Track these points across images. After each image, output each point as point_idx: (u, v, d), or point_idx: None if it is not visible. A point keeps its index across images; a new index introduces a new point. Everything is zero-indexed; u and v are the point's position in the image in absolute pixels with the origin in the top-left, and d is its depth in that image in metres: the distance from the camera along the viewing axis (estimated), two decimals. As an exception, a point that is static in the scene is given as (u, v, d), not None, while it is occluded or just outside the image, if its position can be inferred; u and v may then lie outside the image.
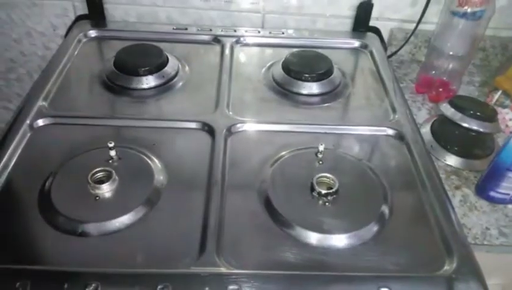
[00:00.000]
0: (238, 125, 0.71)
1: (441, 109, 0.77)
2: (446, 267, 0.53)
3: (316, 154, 0.66)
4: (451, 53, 0.87)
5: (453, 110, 0.75)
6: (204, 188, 0.61)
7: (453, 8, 0.82)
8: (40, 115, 0.71)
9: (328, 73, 0.82)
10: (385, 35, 1.01)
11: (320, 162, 0.65)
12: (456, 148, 0.76)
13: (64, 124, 0.71)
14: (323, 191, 0.59)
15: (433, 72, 0.91)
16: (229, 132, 0.70)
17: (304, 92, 0.80)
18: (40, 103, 0.73)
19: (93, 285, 0.47)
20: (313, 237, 0.55)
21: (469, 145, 0.76)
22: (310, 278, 0.51)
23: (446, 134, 0.77)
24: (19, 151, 0.66)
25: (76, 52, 0.88)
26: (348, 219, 0.57)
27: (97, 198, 0.57)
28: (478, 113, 0.74)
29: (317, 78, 0.81)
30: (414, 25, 0.95)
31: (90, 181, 0.58)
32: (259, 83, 0.83)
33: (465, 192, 0.71)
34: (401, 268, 0.53)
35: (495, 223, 0.67)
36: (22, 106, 0.72)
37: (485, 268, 0.68)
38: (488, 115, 0.75)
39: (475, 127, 0.73)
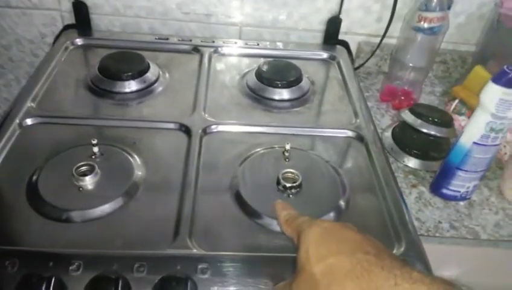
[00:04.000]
0: (213, 126, 0.76)
1: (402, 116, 0.83)
2: (395, 251, 0.57)
3: (283, 153, 0.71)
4: (411, 64, 0.94)
5: (413, 117, 0.80)
6: (179, 182, 0.65)
7: (414, 24, 0.89)
8: (29, 114, 0.75)
9: (297, 81, 0.87)
10: (354, 48, 1.07)
11: (287, 160, 0.70)
12: (414, 151, 0.81)
13: (51, 123, 0.75)
14: (288, 185, 0.64)
15: (396, 82, 0.98)
16: (204, 132, 0.75)
17: (275, 97, 0.85)
18: (29, 104, 0.77)
19: (75, 264, 0.51)
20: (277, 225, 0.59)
21: (426, 149, 0.81)
22: (271, 259, 0.55)
23: (406, 138, 0.83)
24: (8, 147, 0.69)
25: (63, 59, 0.91)
26: (309, 208, 0.61)
27: (80, 189, 0.62)
28: (436, 120, 0.79)
29: (287, 85, 0.86)
30: (380, 39, 1.02)
31: (74, 174, 0.62)
32: (234, 89, 0.87)
33: (420, 190, 0.76)
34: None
35: (447, 217, 0.72)
36: (11, 107, 0.76)
37: (439, 260, 0.74)
38: (445, 121, 0.80)
39: (433, 132, 0.78)
